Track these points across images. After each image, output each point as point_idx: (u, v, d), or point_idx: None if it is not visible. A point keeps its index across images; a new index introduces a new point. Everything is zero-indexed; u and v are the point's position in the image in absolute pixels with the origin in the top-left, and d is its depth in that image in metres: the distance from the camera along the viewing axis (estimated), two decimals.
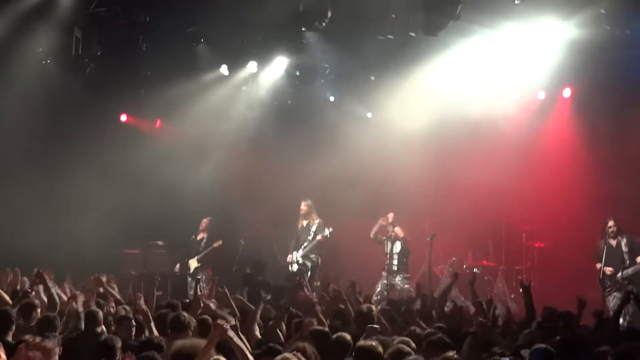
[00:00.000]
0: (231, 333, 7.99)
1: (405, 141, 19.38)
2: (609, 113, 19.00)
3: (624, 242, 15.73)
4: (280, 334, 10.30)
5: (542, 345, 8.86)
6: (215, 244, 18.67)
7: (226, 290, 12.47)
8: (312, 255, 18.26)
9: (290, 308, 11.29)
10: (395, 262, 17.71)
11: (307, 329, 9.76)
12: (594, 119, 19.14)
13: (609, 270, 15.63)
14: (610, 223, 15.88)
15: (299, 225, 18.53)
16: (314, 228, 18.26)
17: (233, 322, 8.59)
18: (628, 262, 15.58)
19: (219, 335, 7.90)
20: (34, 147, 19.21)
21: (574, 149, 19.40)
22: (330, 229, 18.08)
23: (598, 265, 15.87)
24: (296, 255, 18.27)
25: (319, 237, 18.11)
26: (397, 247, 17.78)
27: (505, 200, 19.37)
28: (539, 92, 19.86)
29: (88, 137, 19.77)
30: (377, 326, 10.12)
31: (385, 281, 17.59)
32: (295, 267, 18.16)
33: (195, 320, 9.81)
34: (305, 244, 18.24)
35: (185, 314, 10.05)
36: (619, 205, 16.95)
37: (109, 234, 18.73)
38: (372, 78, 20.25)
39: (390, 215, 17.98)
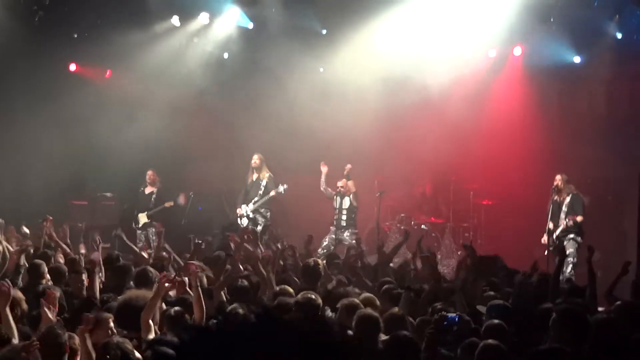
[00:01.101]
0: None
1: (356, 97, 19.36)
2: (559, 71, 19.16)
3: (567, 200, 15.89)
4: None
5: (500, 302, 8.98)
6: (167, 204, 18.44)
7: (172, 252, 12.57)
8: (263, 210, 18.24)
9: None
10: (344, 217, 17.74)
11: (229, 282, 9.86)
12: (544, 77, 19.28)
13: (543, 240, 15.87)
14: (556, 177, 16.03)
15: (249, 179, 18.44)
16: (264, 182, 18.20)
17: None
18: (563, 221, 15.78)
19: (163, 289, 7.96)
20: None
21: (524, 108, 19.52)
22: (285, 186, 18.04)
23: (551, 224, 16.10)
24: (246, 209, 18.21)
25: (272, 193, 18.05)
26: (346, 202, 17.80)
27: (454, 158, 19.47)
28: (490, 50, 19.90)
29: (36, 86, 19.44)
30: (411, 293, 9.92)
31: (334, 235, 17.66)
32: (245, 221, 18.14)
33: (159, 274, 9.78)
34: (256, 199, 18.17)
35: (152, 269, 10.01)
36: (569, 164, 17.15)
37: (56, 185, 18.53)
38: (324, 32, 20.18)
39: (348, 167, 17.92)
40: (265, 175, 18.26)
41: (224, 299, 9.43)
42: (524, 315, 8.88)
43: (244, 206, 18.25)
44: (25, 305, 8.33)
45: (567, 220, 15.59)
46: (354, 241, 16.62)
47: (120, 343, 7.01)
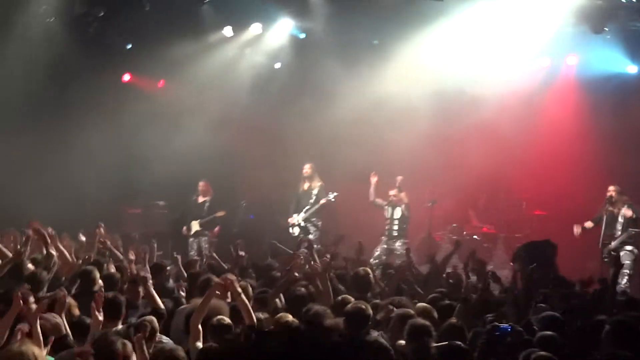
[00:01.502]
0: (235, 288, 8.12)
1: (407, 107, 19.28)
2: (614, 83, 18.94)
3: (622, 212, 15.69)
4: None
5: (550, 313, 8.86)
6: (218, 214, 18.59)
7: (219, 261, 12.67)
8: (314, 219, 18.28)
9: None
10: (395, 227, 17.69)
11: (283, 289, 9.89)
12: (598, 87, 19.08)
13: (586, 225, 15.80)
14: (610, 188, 15.85)
15: (301, 188, 18.49)
16: (315, 191, 18.24)
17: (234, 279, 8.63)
18: (619, 232, 15.59)
19: (214, 292, 7.98)
20: (37, 105, 19.14)
21: (577, 118, 19.33)
22: (335, 193, 18.06)
23: (588, 223, 15.94)
24: (297, 218, 18.26)
25: (323, 200, 18.09)
26: (398, 212, 17.74)
27: (506, 168, 19.33)
28: (544, 59, 19.77)
29: (91, 96, 19.68)
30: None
31: (385, 246, 17.62)
32: (296, 230, 18.17)
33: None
34: (308, 207, 18.21)
35: (214, 277, 10.01)
36: (621, 175, 16.93)
37: (110, 193, 18.75)
38: (375, 42, 20.18)
39: (399, 179, 17.86)
40: (317, 184, 18.30)
41: (278, 306, 9.44)
42: (576, 327, 8.78)
43: (295, 215, 18.30)
44: (77, 311, 8.41)
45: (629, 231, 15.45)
46: (404, 251, 16.63)
47: (174, 350, 7.05)
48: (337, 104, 20.00)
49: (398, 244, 17.53)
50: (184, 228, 18.72)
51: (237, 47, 20.71)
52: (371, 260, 16.63)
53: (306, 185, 18.40)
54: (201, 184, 18.89)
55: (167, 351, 7.06)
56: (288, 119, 20.58)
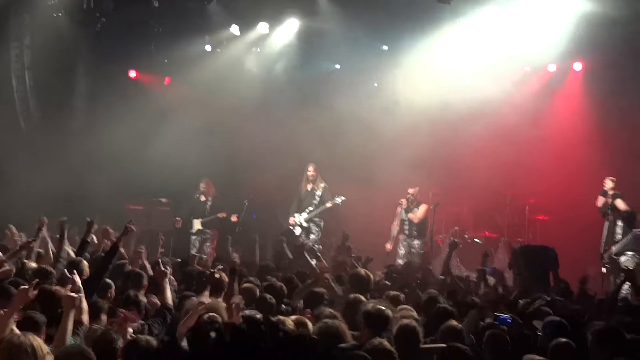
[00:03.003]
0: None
1: (412, 111, 19.28)
2: (620, 88, 18.89)
3: (620, 222, 15.60)
4: None
5: (556, 318, 8.73)
6: (220, 215, 18.60)
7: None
8: (317, 219, 18.26)
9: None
10: (414, 227, 17.62)
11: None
12: (604, 94, 19.04)
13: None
14: (618, 202, 15.65)
15: (303, 189, 18.45)
16: (319, 192, 18.20)
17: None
18: (620, 237, 15.52)
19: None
20: (41, 98, 19.17)
21: (583, 124, 19.32)
22: (343, 197, 18.01)
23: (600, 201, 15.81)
24: (299, 218, 18.23)
25: (328, 204, 18.03)
26: (406, 215, 17.68)
27: (510, 172, 19.33)
28: (550, 64, 19.76)
29: (96, 91, 19.74)
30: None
31: (405, 243, 17.53)
32: (298, 230, 18.15)
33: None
34: (311, 209, 18.18)
35: (222, 274, 10.01)
36: (627, 182, 16.83)
37: (113, 189, 18.72)
38: (384, 47, 20.17)
39: (412, 191, 17.81)
40: (320, 185, 18.25)
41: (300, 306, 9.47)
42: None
43: (297, 215, 18.27)
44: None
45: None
46: (421, 251, 16.74)
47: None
48: (342, 106, 19.99)
49: (416, 242, 17.50)
50: (179, 220, 18.78)
51: (244, 46, 20.70)
52: (398, 260, 16.69)
53: (309, 186, 18.34)
54: (202, 184, 18.87)
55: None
56: (293, 119, 20.54)
